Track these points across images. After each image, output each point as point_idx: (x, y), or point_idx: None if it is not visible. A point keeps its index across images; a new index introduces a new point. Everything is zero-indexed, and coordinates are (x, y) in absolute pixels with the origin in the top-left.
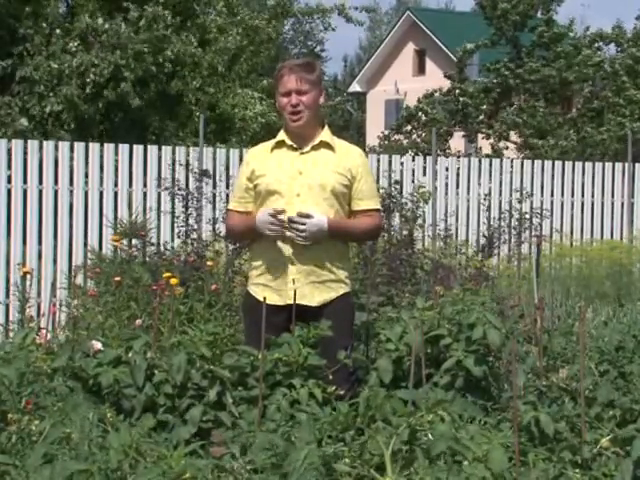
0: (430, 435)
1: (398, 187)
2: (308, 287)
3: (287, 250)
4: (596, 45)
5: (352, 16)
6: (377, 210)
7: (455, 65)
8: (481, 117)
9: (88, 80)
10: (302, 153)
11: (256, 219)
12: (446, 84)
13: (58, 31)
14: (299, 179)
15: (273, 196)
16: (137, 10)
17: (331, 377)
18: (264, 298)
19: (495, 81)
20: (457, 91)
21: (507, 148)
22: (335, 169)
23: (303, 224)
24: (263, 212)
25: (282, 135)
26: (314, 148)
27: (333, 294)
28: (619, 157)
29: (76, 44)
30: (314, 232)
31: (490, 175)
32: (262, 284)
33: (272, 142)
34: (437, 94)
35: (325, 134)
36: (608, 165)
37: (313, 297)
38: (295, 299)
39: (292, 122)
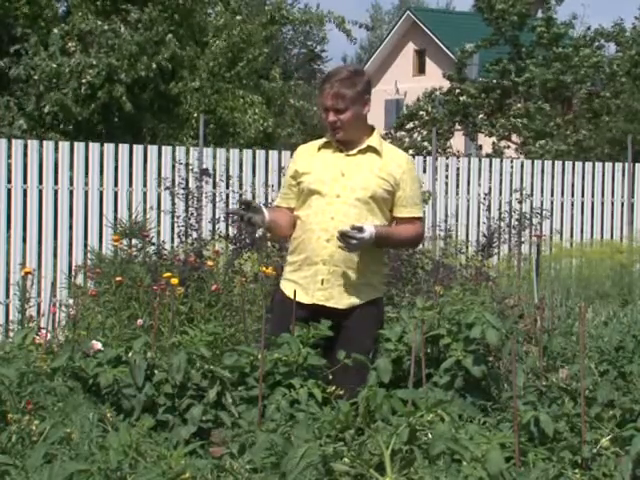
0: (430, 435)
1: None
2: (337, 289)
3: (321, 250)
4: (596, 44)
5: (350, 29)
6: (419, 218)
7: (454, 65)
8: (481, 116)
9: (84, 81)
10: (348, 155)
11: None
12: (446, 84)
13: (56, 31)
14: (341, 181)
15: (314, 195)
16: (137, 12)
17: (349, 378)
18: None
19: (495, 81)
20: (457, 91)
21: (508, 147)
22: (379, 174)
23: (355, 239)
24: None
25: (328, 137)
26: (361, 152)
27: (363, 297)
28: (614, 160)
29: (74, 44)
30: (364, 244)
31: (490, 175)
32: (292, 280)
33: (320, 141)
34: (437, 93)
35: (374, 139)
36: (608, 165)
37: (341, 299)
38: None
39: (331, 135)
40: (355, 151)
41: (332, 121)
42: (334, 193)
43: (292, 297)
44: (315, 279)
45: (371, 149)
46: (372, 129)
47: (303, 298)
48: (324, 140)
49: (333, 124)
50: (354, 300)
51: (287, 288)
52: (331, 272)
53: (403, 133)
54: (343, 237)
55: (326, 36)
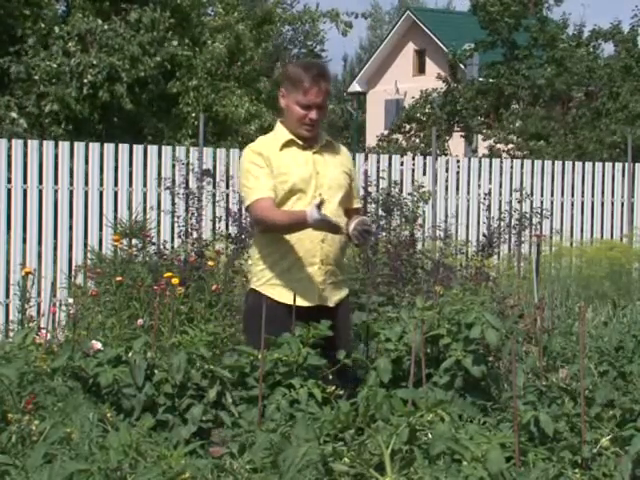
0: (430, 435)
1: (398, 187)
2: (330, 287)
3: (318, 250)
4: (592, 44)
5: (348, 22)
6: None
7: (447, 68)
8: (479, 118)
9: (85, 81)
10: (315, 152)
11: (311, 219)
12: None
13: (57, 30)
14: (318, 179)
15: (296, 195)
16: (137, 12)
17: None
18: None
19: (492, 81)
20: (454, 92)
21: (506, 151)
22: (343, 169)
23: (372, 233)
24: (313, 211)
25: (288, 134)
26: (322, 147)
27: (344, 293)
28: (614, 160)
29: (74, 44)
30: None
31: (490, 175)
32: (281, 285)
33: (278, 140)
34: (435, 94)
35: (325, 134)
36: (608, 165)
37: (333, 297)
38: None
39: (307, 132)
40: (318, 147)
41: (316, 119)
42: (316, 192)
43: (282, 301)
44: (313, 280)
45: (329, 144)
46: None
47: (301, 302)
48: (285, 139)
49: (315, 122)
50: (340, 296)
51: (276, 293)
52: (326, 271)
53: (399, 136)
54: (363, 233)
55: (320, 34)
